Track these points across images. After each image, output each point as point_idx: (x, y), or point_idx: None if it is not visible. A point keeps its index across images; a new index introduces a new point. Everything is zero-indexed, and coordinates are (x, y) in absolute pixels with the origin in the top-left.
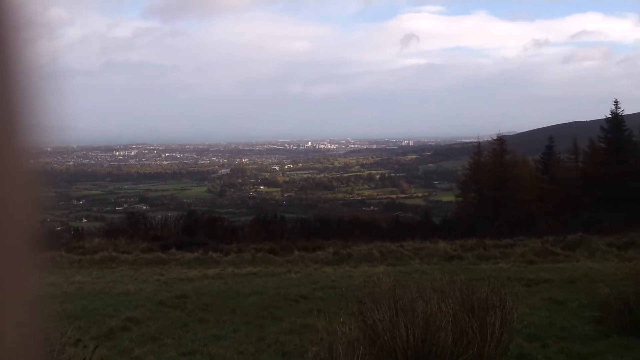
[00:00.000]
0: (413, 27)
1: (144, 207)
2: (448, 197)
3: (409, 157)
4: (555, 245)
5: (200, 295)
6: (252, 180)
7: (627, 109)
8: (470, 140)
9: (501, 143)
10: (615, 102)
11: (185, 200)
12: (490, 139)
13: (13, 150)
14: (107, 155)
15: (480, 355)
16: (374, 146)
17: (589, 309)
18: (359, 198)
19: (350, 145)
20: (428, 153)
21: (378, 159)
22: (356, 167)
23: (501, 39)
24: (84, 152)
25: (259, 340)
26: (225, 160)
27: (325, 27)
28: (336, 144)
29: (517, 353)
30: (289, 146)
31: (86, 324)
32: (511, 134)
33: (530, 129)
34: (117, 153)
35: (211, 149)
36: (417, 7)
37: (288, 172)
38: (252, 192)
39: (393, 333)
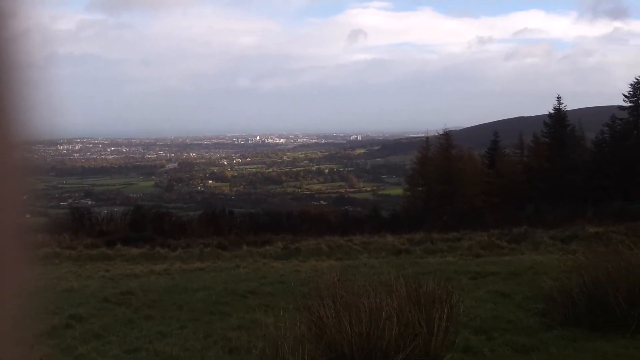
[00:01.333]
0: (360, 22)
1: (89, 202)
2: (396, 191)
3: (358, 151)
4: (501, 239)
5: (147, 291)
6: (200, 175)
7: (569, 105)
8: (418, 135)
9: (447, 138)
10: (557, 98)
11: (132, 195)
12: (437, 134)
13: None
14: (51, 150)
15: (427, 348)
16: (323, 141)
17: (533, 301)
18: (308, 192)
19: (299, 140)
20: (376, 147)
21: (327, 153)
22: (305, 162)
23: (447, 35)
24: (26, 146)
25: (205, 336)
26: (173, 155)
27: (272, 21)
28: (285, 138)
29: (463, 346)
30: (238, 140)
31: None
32: (458, 129)
33: (477, 124)
34: (61, 147)
35: (158, 143)
36: (364, 3)
37: (237, 167)
38: (200, 186)
39: (338, 328)
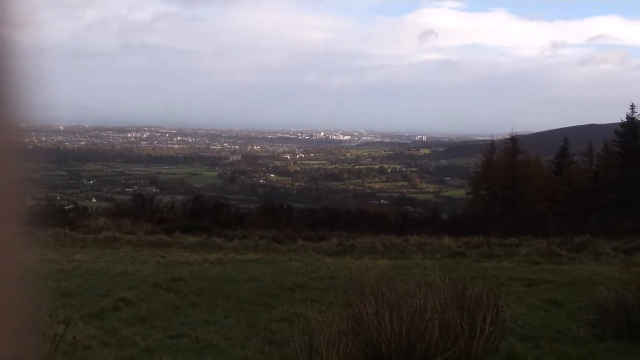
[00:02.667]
0: (431, 22)
1: (154, 190)
2: (459, 194)
3: (422, 152)
4: (560, 247)
5: (197, 279)
6: (263, 168)
7: None
8: (484, 138)
9: (514, 142)
10: (631, 106)
11: (195, 185)
12: (503, 138)
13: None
14: (120, 137)
15: (468, 352)
16: (387, 140)
17: (586, 312)
18: (370, 191)
19: (363, 138)
20: (441, 149)
21: (391, 152)
22: (368, 160)
23: (519, 38)
24: (97, 132)
25: (248, 327)
26: (237, 147)
27: (343, 19)
28: (349, 135)
29: (507, 352)
30: (302, 136)
31: (78, 302)
32: (525, 133)
33: (545, 129)
34: (130, 135)
35: (223, 135)
36: (437, 3)
37: (299, 162)
38: (262, 180)
39: (377, 325)
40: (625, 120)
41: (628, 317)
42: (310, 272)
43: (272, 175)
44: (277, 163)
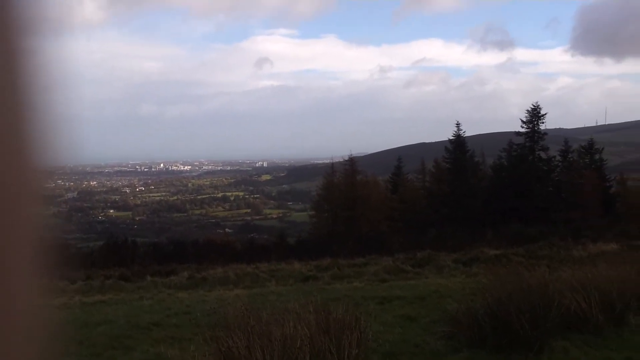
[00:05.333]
0: (266, 49)
1: None
2: (302, 218)
3: (264, 178)
4: (405, 263)
5: None
6: (101, 204)
7: (468, 131)
8: (323, 161)
9: (352, 164)
10: (457, 124)
11: None
12: (342, 160)
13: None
14: None
15: None
16: (228, 168)
17: (439, 325)
18: (214, 220)
19: (204, 167)
20: (282, 174)
21: (233, 180)
22: (210, 189)
23: (350, 63)
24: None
25: None
26: (72, 184)
27: (177, 47)
28: (190, 165)
29: None
30: (141, 168)
31: None
32: (362, 154)
33: (380, 149)
34: None
35: (56, 172)
36: (269, 30)
37: (139, 195)
38: (101, 216)
39: (250, 359)
40: (453, 137)
41: (479, 327)
42: (164, 308)
43: (112, 211)
44: (116, 197)
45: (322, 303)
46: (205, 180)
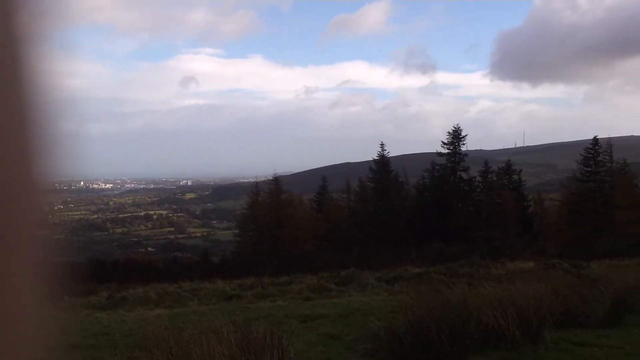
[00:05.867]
0: (192, 68)
1: None
2: (227, 236)
3: (188, 196)
4: (329, 281)
5: None
6: None
7: (393, 151)
8: (249, 180)
9: (277, 183)
10: (381, 144)
11: None
12: (267, 179)
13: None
14: None
15: None
16: (152, 186)
17: (362, 343)
18: (135, 239)
19: (127, 185)
20: (207, 192)
21: (156, 198)
22: (133, 207)
23: (276, 83)
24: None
25: None
26: None
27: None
28: (111, 183)
29: None
30: (59, 186)
31: None
32: (288, 174)
33: (306, 169)
34: None
35: None
36: (195, 49)
37: (58, 214)
38: None
39: None
40: (377, 157)
41: (401, 344)
42: (82, 329)
43: None
44: None
45: (244, 322)
46: (127, 198)
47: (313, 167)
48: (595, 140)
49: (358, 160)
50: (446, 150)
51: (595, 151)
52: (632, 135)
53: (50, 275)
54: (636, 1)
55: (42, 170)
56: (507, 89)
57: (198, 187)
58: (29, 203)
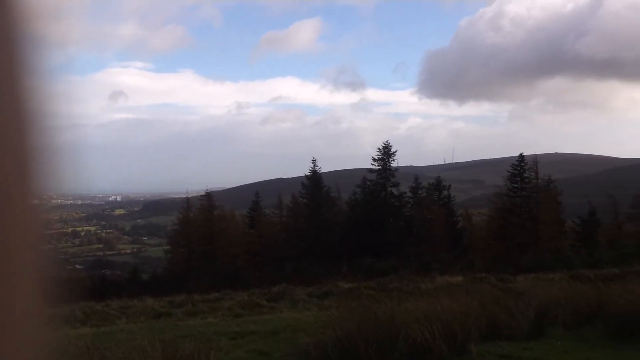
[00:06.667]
0: (121, 81)
1: None
2: (158, 253)
3: (117, 212)
4: (261, 298)
5: None
6: None
7: (325, 167)
8: (180, 196)
9: (209, 198)
10: (313, 160)
11: None
12: (199, 195)
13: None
14: None
15: None
16: (79, 202)
17: (291, 359)
18: (62, 256)
19: (53, 201)
20: (137, 208)
21: (84, 214)
22: (59, 224)
23: (208, 98)
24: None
25: None
26: None
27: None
28: (37, 199)
29: None
30: None
31: None
32: (220, 189)
33: (239, 184)
34: None
35: None
36: (125, 63)
37: None
38: None
39: None
40: (309, 173)
41: (328, 359)
42: None
43: None
44: None
45: (172, 340)
46: (53, 215)
47: (246, 183)
48: (521, 157)
49: (291, 176)
50: (377, 167)
51: (521, 167)
52: (556, 153)
53: None
54: (556, 23)
55: None
56: (435, 107)
57: (128, 203)
58: None
